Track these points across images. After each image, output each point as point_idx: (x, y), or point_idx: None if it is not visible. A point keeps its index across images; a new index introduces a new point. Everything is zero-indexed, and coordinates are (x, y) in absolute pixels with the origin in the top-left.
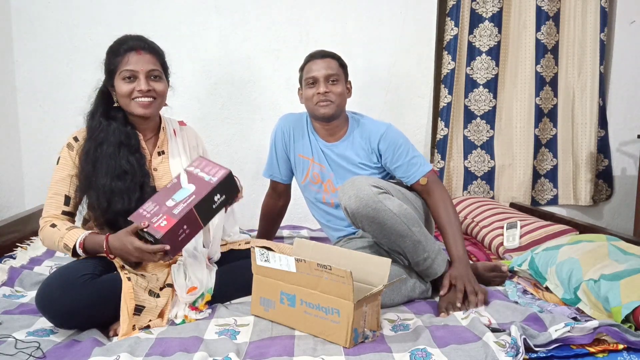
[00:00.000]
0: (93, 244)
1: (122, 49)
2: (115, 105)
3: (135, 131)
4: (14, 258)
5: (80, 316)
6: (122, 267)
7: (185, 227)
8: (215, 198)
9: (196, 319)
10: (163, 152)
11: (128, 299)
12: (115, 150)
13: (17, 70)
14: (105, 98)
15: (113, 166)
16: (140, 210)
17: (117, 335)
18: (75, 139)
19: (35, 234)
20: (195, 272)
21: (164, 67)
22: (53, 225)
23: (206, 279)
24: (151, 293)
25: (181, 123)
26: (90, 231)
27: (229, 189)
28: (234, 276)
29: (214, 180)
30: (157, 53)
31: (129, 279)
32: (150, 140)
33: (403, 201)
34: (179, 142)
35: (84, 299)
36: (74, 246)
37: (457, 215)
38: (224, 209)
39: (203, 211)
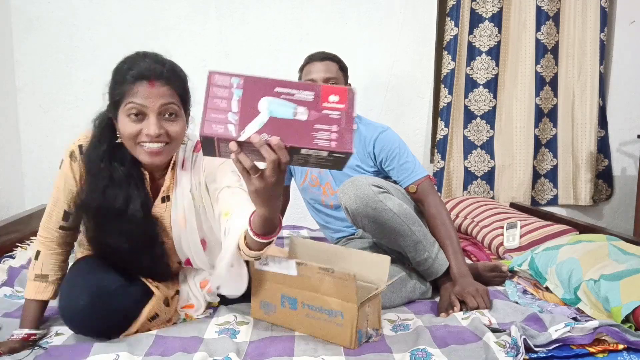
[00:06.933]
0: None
1: (130, 74)
2: (119, 141)
3: (142, 173)
4: (14, 258)
5: (108, 331)
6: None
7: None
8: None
9: (196, 318)
10: (168, 198)
11: (157, 306)
12: (124, 203)
13: (17, 70)
14: (111, 131)
15: (120, 227)
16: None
17: None
18: (80, 148)
19: (36, 234)
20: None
21: (184, 99)
22: (37, 255)
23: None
24: (164, 301)
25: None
26: (30, 299)
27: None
28: None
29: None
30: (176, 82)
31: (157, 287)
32: (158, 181)
33: (403, 200)
34: (189, 180)
35: (118, 318)
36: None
37: (454, 228)
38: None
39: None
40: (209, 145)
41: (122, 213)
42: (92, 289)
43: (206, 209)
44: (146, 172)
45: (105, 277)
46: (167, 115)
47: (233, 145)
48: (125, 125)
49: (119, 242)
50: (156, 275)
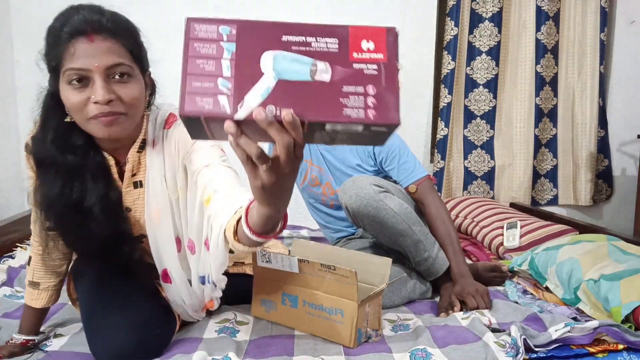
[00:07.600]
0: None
1: (64, 32)
2: (69, 120)
3: (103, 158)
4: (14, 258)
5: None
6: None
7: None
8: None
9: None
10: (140, 184)
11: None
12: (79, 197)
13: (17, 70)
14: (57, 110)
15: (82, 225)
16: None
17: None
18: (34, 139)
19: None
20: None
21: (137, 55)
22: (29, 260)
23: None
24: None
25: (172, 118)
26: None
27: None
28: (240, 283)
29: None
30: (123, 35)
31: (178, 316)
32: (124, 164)
33: (404, 200)
34: (161, 162)
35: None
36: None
37: (454, 228)
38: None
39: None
40: (196, 127)
41: (79, 209)
42: (134, 329)
43: (180, 199)
44: (110, 157)
45: (143, 309)
46: (117, 77)
47: (229, 126)
48: (69, 95)
49: (84, 244)
50: (147, 278)
